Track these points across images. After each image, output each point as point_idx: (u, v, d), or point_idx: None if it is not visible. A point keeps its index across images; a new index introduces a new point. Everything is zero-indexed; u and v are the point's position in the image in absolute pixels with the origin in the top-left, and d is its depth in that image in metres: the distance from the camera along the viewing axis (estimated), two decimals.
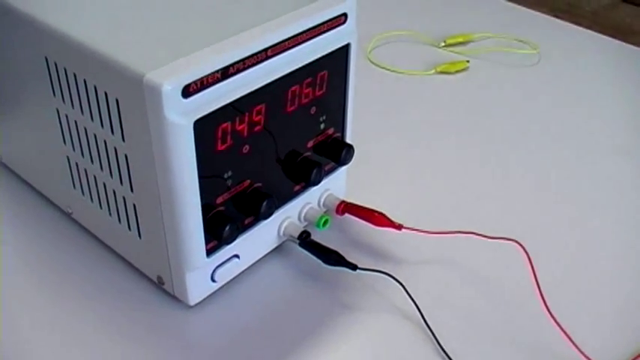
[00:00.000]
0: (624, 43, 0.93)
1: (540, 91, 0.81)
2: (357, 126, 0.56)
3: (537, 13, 1.00)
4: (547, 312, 0.49)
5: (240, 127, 0.45)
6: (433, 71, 0.84)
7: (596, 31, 0.98)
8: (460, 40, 0.90)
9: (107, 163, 0.48)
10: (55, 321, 0.50)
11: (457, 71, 0.84)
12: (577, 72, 0.85)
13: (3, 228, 0.58)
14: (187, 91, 0.41)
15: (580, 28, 0.97)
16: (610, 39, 0.94)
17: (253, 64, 0.44)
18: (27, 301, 0.52)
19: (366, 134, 0.60)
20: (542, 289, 0.50)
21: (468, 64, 0.85)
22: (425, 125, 0.74)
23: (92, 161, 0.49)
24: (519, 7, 1.02)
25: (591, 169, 0.68)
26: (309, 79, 0.49)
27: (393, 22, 0.93)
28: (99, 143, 0.47)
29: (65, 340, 0.49)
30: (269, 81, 0.45)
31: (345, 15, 0.50)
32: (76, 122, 0.48)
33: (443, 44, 0.90)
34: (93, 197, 0.52)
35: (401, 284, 0.52)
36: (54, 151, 0.53)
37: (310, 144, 0.52)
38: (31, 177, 0.60)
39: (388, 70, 0.84)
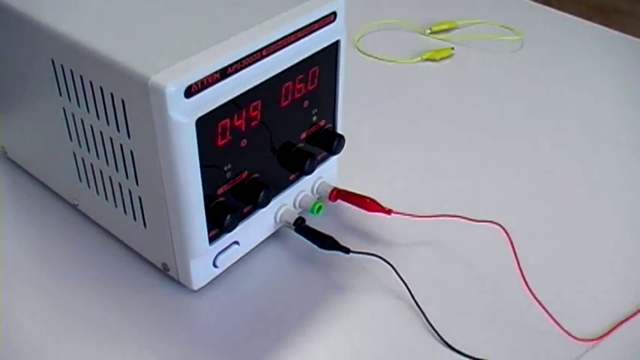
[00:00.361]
0: (606, 28, 0.96)
1: (523, 77, 0.84)
2: (347, 114, 0.59)
3: None
4: (527, 288, 0.52)
5: (239, 122, 0.48)
6: (419, 59, 0.87)
7: (582, 10, 1.01)
8: (445, 27, 0.93)
9: (113, 159, 0.50)
10: (62, 305, 0.53)
11: (442, 58, 0.87)
12: (560, 57, 0.88)
13: (8, 217, 0.61)
14: (189, 92, 0.43)
15: (563, 14, 1.00)
16: (591, 24, 0.97)
17: (250, 64, 0.47)
18: (34, 285, 0.55)
19: (356, 122, 0.63)
20: (522, 267, 0.53)
21: (452, 52, 0.88)
22: (412, 112, 0.77)
23: (98, 156, 0.52)
24: None
25: (573, 153, 0.72)
26: (301, 76, 0.52)
27: (380, 11, 0.96)
28: (105, 140, 0.50)
29: (73, 323, 0.52)
30: (264, 79, 0.48)
31: (334, 13, 0.53)
32: (82, 120, 0.51)
33: (429, 31, 0.92)
34: (99, 190, 0.55)
35: (391, 266, 0.55)
36: (60, 147, 0.56)
37: (303, 135, 0.55)
38: (37, 171, 0.63)
39: (376, 58, 0.87)
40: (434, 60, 0.87)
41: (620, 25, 0.99)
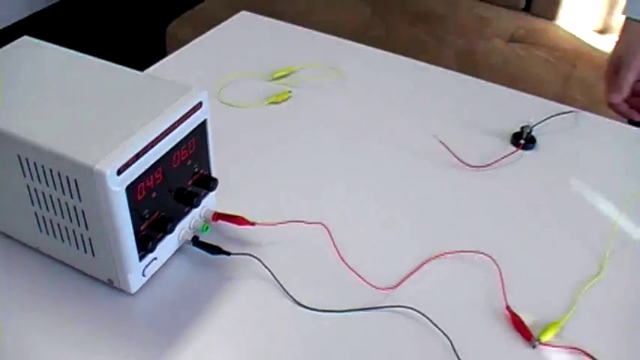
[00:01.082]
0: (406, 58, 1.28)
1: (344, 108, 1.14)
2: (218, 158, 0.86)
3: (341, 40, 1.33)
4: (342, 262, 0.83)
5: (149, 183, 0.75)
6: (266, 102, 1.15)
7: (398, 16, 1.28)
8: (284, 73, 1.22)
9: (68, 215, 0.76)
10: (33, 316, 0.79)
11: (283, 100, 1.15)
12: (372, 88, 1.19)
13: None
14: (119, 171, 0.71)
15: (374, 50, 1.31)
16: (396, 56, 1.29)
17: (153, 146, 0.74)
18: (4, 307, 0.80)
19: (225, 162, 0.91)
20: (339, 248, 0.84)
21: (290, 94, 1.17)
22: (264, 147, 1.05)
23: (55, 214, 0.78)
24: (327, 35, 1.34)
25: (382, 162, 1.03)
26: (184, 145, 0.80)
27: (232, 65, 1.24)
28: (61, 203, 0.76)
29: (42, 324, 0.78)
30: (163, 153, 0.76)
31: (201, 102, 0.81)
32: (42, 192, 0.77)
33: (271, 78, 1.21)
34: (56, 235, 0.80)
35: (259, 260, 0.84)
36: (22, 209, 0.81)
37: (190, 182, 0.83)
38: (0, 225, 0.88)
39: (233, 105, 1.14)
40: (277, 102, 1.15)
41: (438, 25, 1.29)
